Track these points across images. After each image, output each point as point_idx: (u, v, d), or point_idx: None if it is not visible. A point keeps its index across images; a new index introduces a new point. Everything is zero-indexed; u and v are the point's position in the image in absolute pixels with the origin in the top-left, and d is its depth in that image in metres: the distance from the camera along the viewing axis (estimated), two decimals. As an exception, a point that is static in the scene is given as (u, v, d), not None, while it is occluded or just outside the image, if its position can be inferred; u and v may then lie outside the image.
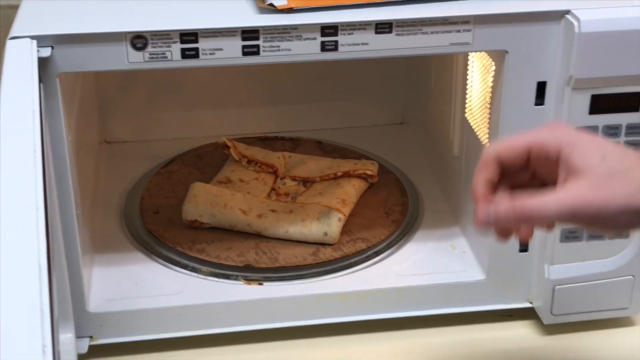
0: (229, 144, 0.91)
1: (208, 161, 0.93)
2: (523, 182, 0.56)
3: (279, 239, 0.81)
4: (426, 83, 0.94)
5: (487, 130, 0.74)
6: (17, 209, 0.43)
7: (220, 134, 0.94)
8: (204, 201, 0.83)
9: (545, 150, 0.54)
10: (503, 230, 0.56)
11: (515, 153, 0.55)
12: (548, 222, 0.56)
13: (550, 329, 0.78)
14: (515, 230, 0.56)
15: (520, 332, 0.78)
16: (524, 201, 0.53)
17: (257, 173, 0.89)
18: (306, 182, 0.88)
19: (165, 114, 0.99)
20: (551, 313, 0.76)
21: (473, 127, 0.79)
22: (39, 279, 0.39)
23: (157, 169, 0.92)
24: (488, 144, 0.74)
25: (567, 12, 0.66)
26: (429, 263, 0.80)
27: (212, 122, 1.00)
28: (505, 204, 0.53)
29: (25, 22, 0.64)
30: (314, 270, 0.78)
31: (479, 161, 0.56)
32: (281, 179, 0.89)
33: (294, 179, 0.89)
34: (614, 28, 0.65)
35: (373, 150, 0.95)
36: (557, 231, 0.73)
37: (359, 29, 0.65)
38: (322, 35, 0.65)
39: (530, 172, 0.56)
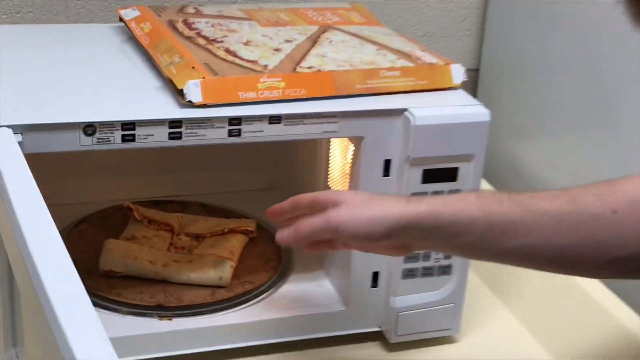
0: (132, 207, 1.09)
1: (111, 221, 1.11)
2: None
3: (182, 284, 1.00)
4: (292, 155, 1.16)
5: (347, 195, 0.97)
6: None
7: (117, 198, 1.13)
8: (117, 254, 1.01)
9: (319, 202, 0.82)
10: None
11: (306, 198, 0.84)
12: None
13: (395, 347, 1.01)
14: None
15: (372, 351, 1.01)
16: (301, 222, 0.81)
17: (156, 231, 1.08)
18: (198, 237, 1.08)
19: (71, 181, 1.16)
20: (396, 334, 1.00)
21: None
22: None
23: (69, 229, 1.09)
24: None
25: (406, 109, 0.91)
26: (301, 299, 1.01)
27: (111, 188, 1.17)
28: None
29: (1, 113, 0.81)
30: (213, 307, 0.98)
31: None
32: (177, 235, 1.08)
33: (187, 235, 1.08)
34: (438, 122, 0.91)
35: (249, 211, 1.16)
36: (399, 269, 0.97)
37: (256, 120, 0.87)
38: (229, 124, 0.87)
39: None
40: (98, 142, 0.83)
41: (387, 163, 0.93)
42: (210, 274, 1.00)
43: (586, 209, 0.74)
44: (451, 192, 0.95)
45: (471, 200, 0.77)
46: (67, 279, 0.58)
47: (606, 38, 1.13)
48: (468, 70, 1.40)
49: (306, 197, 0.84)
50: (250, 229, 1.09)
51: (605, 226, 0.73)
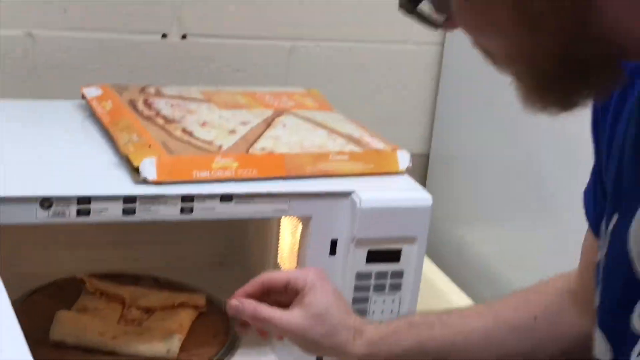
0: (85, 279, 1.11)
1: (65, 293, 1.12)
2: (283, 302, 0.84)
3: (131, 355, 1.02)
4: (244, 232, 1.20)
5: (295, 273, 1.00)
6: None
7: (71, 271, 1.15)
8: (68, 325, 1.03)
9: (295, 284, 0.83)
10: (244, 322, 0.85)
11: (277, 281, 0.84)
12: (273, 329, 0.84)
13: (338, 423, 1.03)
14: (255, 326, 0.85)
15: None
16: (262, 309, 0.82)
17: (108, 303, 1.10)
18: (149, 310, 1.10)
19: (27, 251, 1.18)
20: (339, 410, 1.02)
21: (283, 269, 1.05)
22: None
23: (22, 298, 1.11)
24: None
25: (352, 192, 0.96)
26: (247, 374, 1.04)
27: (66, 260, 1.19)
28: (250, 306, 0.82)
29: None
30: (161, 379, 1.00)
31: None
32: (128, 308, 1.10)
33: (138, 308, 1.11)
34: (383, 205, 0.96)
35: (200, 285, 1.18)
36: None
37: (209, 198, 0.91)
38: (182, 202, 0.90)
39: (288, 296, 0.83)
40: (54, 215, 0.86)
41: (334, 243, 0.97)
42: (158, 347, 1.02)
43: (509, 321, 0.82)
44: (394, 273, 0.98)
45: (404, 331, 0.83)
46: (15, 348, 0.61)
47: (544, 135, 1.19)
48: (419, 156, 1.47)
49: (278, 280, 0.85)
50: (200, 303, 1.12)
51: (527, 334, 0.81)
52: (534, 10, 0.52)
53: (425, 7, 0.58)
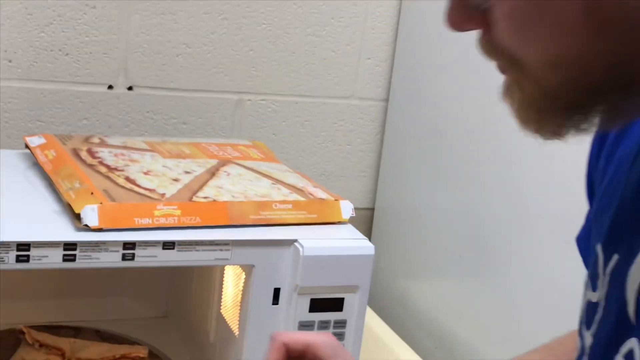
0: (24, 329, 1.09)
1: (3, 345, 1.10)
2: None
3: (69, 408, 1.00)
4: (187, 283, 1.19)
5: (238, 322, 1.00)
6: None
7: (11, 322, 1.13)
8: (5, 377, 1.01)
9: (315, 350, 0.73)
10: None
11: (296, 345, 0.72)
12: None
13: None
14: None
15: None
16: None
17: (47, 355, 1.08)
18: (89, 362, 1.09)
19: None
20: None
21: (226, 319, 1.05)
22: None
23: (-43, 351, 1.08)
24: (238, 332, 1.00)
25: (295, 240, 0.96)
26: None
27: (5, 312, 1.17)
28: None
29: None
30: None
31: (270, 345, 0.73)
32: (68, 360, 1.09)
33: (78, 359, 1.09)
34: (326, 253, 0.96)
35: (144, 338, 1.17)
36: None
37: (150, 245, 0.91)
38: (124, 248, 0.90)
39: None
40: (-9, 261, 0.85)
41: (277, 291, 0.97)
42: (98, 399, 1.01)
43: None
44: (337, 322, 0.99)
45: None
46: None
47: (488, 189, 1.21)
48: (364, 210, 1.48)
49: (297, 343, 0.73)
50: (141, 355, 1.10)
51: None
52: (605, 11, 0.50)
53: None
